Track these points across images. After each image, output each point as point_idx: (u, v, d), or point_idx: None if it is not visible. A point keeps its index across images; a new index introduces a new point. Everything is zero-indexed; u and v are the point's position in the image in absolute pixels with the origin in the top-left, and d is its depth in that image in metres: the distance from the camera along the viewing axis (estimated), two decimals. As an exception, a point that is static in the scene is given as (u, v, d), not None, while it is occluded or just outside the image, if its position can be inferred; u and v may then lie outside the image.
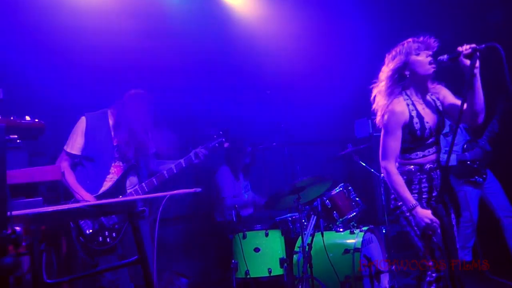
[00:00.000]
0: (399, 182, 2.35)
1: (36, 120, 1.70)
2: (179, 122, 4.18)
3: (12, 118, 1.61)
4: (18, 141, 1.62)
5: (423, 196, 2.39)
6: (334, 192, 3.72)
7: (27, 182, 1.99)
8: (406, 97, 2.42)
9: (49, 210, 1.66)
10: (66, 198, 2.90)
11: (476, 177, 4.06)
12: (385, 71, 2.45)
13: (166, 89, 4.05)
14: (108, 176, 2.92)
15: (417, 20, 4.75)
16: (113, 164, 2.95)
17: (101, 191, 2.88)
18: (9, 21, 3.41)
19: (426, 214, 2.26)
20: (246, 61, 4.74)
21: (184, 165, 3.06)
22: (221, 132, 3.24)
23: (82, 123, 2.94)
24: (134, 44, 3.94)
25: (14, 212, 1.53)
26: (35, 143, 3.02)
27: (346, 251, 3.38)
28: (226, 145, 3.22)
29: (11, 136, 1.51)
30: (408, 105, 2.39)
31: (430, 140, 2.41)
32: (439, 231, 2.16)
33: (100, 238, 2.77)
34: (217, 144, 3.19)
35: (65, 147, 2.92)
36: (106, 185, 2.90)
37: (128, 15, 3.93)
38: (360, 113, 5.32)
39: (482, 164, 4.08)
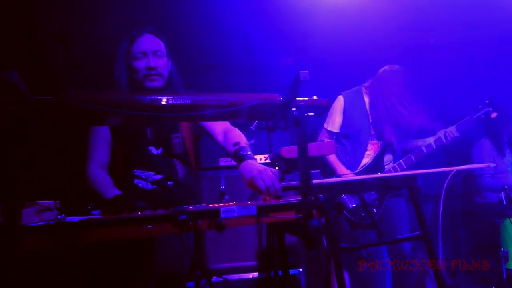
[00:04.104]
0: None
1: (322, 99, 1.83)
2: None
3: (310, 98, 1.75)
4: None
5: None
6: None
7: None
8: None
9: (342, 180, 1.79)
10: (324, 174, 3.11)
11: None
12: None
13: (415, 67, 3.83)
14: (365, 153, 2.98)
15: None
16: (369, 142, 2.99)
17: (359, 168, 2.96)
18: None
19: None
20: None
21: (435, 147, 2.98)
22: (487, 101, 2.92)
23: (339, 101, 3.06)
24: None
25: (314, 181, 1.71)
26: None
27: None
28: (493, 115, 2.89)
29: (309, 114, 1.66)
30: None
31: None
32: None
33: (362, 213, 2.87)
34: (482, 115, 2.91)
35: (325, 125, 3.10)
36: (364, 162, 2.97)
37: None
38: None
39: None
